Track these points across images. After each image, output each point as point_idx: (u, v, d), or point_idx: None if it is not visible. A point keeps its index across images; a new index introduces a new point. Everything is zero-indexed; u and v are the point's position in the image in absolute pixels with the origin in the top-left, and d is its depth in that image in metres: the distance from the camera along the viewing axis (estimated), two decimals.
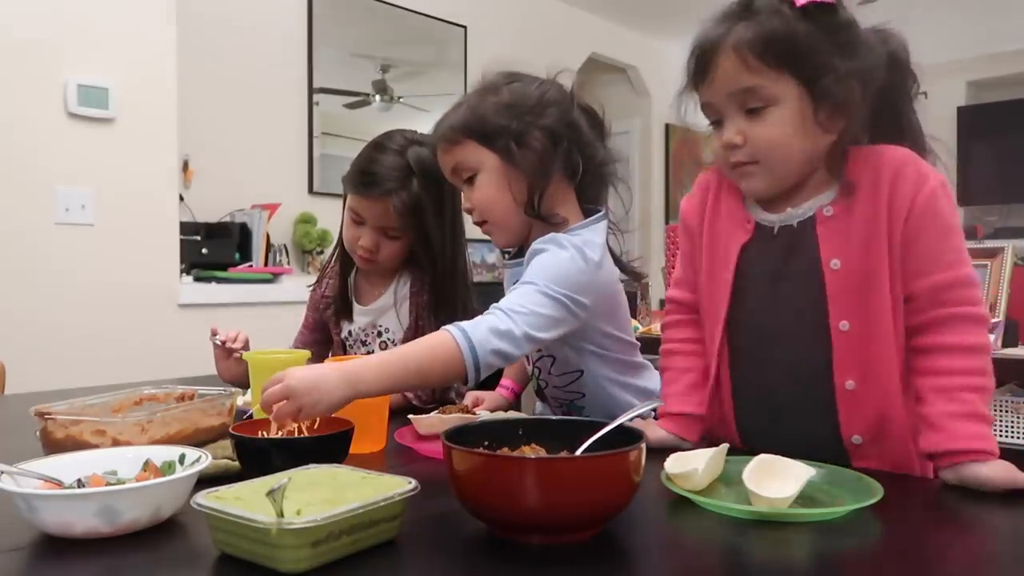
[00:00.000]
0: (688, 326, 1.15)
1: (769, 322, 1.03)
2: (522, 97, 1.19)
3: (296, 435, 0.96)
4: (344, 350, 1.61)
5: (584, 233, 1.17)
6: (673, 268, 2.39)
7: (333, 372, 0.94)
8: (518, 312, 1.07)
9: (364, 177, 1.44)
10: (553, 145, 1.17)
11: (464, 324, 1.04)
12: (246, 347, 1.50)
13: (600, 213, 1.23)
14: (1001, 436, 2.32)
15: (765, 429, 1.05)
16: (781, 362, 1.03)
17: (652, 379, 1.33)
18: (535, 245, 1.17)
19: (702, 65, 0.99)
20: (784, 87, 0.95)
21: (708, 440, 1.10)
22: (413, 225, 1.44)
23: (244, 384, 1.33)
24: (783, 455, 0.86)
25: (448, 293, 1.48)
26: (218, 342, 1.49)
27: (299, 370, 0.94)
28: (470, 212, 1.23)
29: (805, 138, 0.96)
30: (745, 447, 1.06)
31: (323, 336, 1.66)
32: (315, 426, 0.98)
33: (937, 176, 0.96)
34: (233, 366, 1.49)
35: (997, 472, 0.86)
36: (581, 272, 1.13)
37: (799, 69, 0.94)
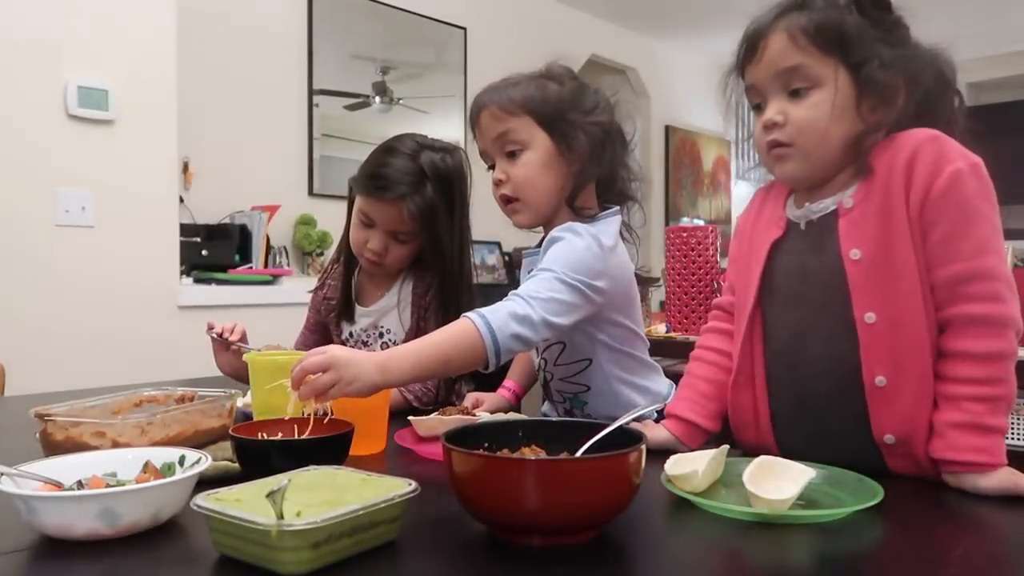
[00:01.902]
0: (721, 335, 1.15)
1: (798, 320, 1.02)
2: (583, 95, 1.24)
3: (296, 436, 0.96)
4: None
5: (600, 224, 1.21)
6: (673, 270, 2.40)
7: (367, 358, 0.97)
8: (536, 298, 1.09)
9: (377, 180, 1.43)
10: (601, 147, 1.22)
11: (483, 310, 1.06)
12: (243, 339, 1.50)
13: (615, 208, 1.27)
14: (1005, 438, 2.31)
15: (800, 430, 1.03)
16: (811, 360, 1.01)
17: (657, 381, 1.33)
18: (553, 233, 1.19)
19: (752, 46, 1.00)
20: (830, 70, 0.96)
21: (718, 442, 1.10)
22: (425, 230, 1.44)
23: (244, 377, 1.33)
24: (818, 458, 0.86)
25: (453, 295, 1.48)
26: (215, 335, 1.49)
27: (340, 348, 0.98)
28: (499, 184, 1.24)
29: (844, 125, 0.96)
30: (779, 448, 1.04)
31: (324, 337, 1.66)
32: (326, 419, 0.98)
33: (967, 158, 0.92)
34: (232, 358, 1.49)
35: (993, 483, 0.86)
36: (596, 259, 1.16)
37: (847, 55, 0.95)
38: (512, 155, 1.22)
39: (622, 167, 1.28)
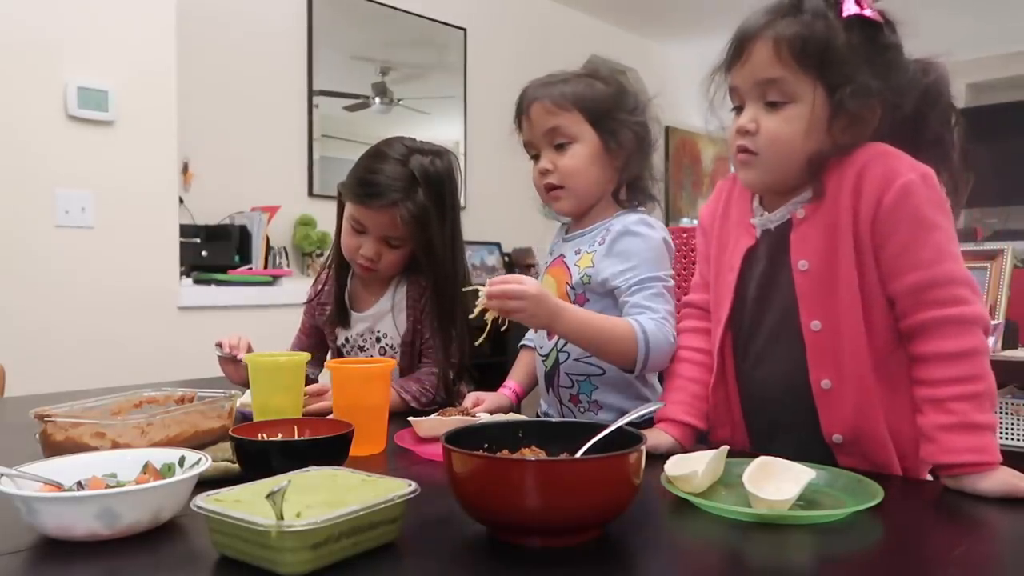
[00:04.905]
0: (701, 335, 1.17)
1: (758, 324, 1.06)
2: (625, 96, 1.32)
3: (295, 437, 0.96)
4: (340, 356, 1.60)
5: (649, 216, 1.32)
6: (672, 270, 2.39)
7: (551, 302, 1.12)
8: (666, 319, 1.20)
9: (368, 188, 1.43)
10: (643, 144, 1.31)
11: (646, 325, 1.17)
12: (250, 349, 1.50)
13: (636, 204, 1.36)
14: (1002, 438, 2.32)
15: (764, 427, 1.08)
16: (769, 363, 1.05)
17: (655, 378, 1.35)
18: (628, 225, 1.27)
19: (738, 49, 1.01)
20: (808, 88, 0.96)
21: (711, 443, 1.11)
22: (418, 234, 1.44)
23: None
24: (776, 453, 0.87)
25: (448, 297, 1.48)
26: (223, 354, 1.49)
27: (535, 284, 1.11)
28: (545, 173, 1.30)
29: (813, 142, 0.97)
30: (750, 445, 1.09)
31: (319, 341, 1.66)
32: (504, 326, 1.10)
33: (916, 169, 0.94)
34: (241, 369, 1.49)
35: (994, 485, 0.86)
36: (670, 249, 1.29)
37: (827, 75, 0.96)
38: (560, 147, 1.29)
39: (649, 163, 1.35)
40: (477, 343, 1.22)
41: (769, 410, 1.06)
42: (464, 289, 1.26)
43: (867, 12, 0.97)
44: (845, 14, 0.96)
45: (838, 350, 0.98)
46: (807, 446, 0.99)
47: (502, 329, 1.14)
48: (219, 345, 1.50)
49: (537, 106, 1.29)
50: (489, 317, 1.12)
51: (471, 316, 1.17)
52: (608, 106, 1.28)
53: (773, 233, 1.04)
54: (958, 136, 1.02)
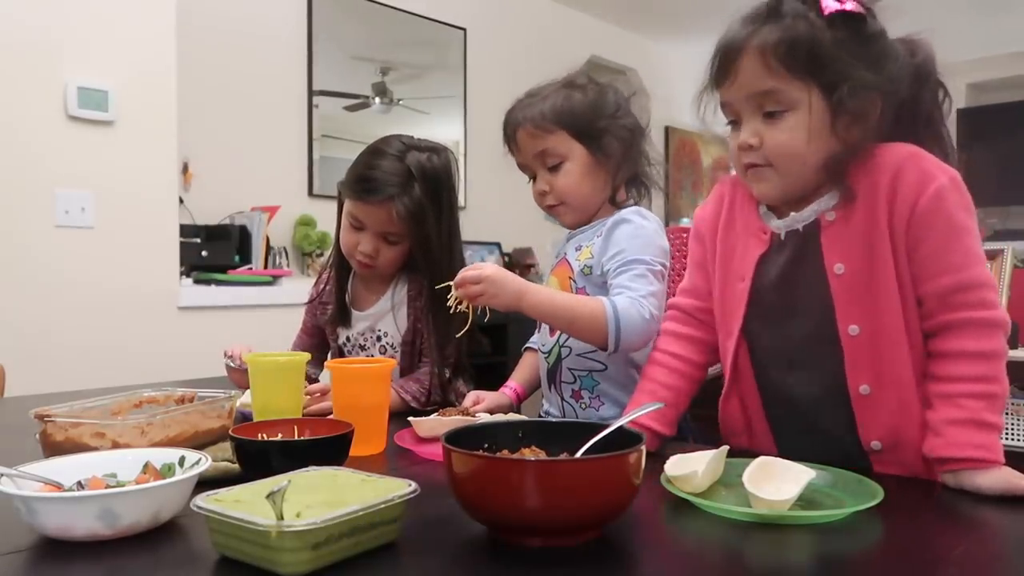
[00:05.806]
0: (682, 341, 1.14)
1: (783, 330, 1.03)
2: (604, 99, 1.31)
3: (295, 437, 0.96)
4: (342, 355, 1.60)
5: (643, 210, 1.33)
6: (673, 270, 2.39)
7: (512, 283, 1.16)
8: (646, 297, 1.18)
9: (365, 183, 1.44)
10: (630, 147, 1.32)
11: (618, 302, 1.17)
12: None
13: (633, 201, 1.38)
14: (1002, 438, 2.30)
15: (796, 435, 1.05)
16: (798, 370, 1.02)
17: None
18: (623, 215, 1.29)
19: (724, 65, 0.99)
20: (803, 93, 0.95)
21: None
22: (414, 230, 1.44)
23: None
24: (814, 460, 0.87)
25: (446, 295, 1.47)
26: (233, 364, 1.49)
27: (493, 267, 1.17)
28: (544, 194, 1.33)
29: (820, 145, 0.96)
30: (780, 454, 1.04)
31: (321, 340, 1.66)
32: (486, 318, 1.18)
33: (946, 172, 0.93)
34: (247, 377, 1.49)
35: (994, 481, 0.86)
36: (663, 238, 1.29)
37: (820, 76, 0.94)
38: (553, 168, 1.30)
39: (643, 156, 1.35)
40: (458, 335, 1.29)
41: (802, 416, 1.03)
42: (436, 287, 1.28)
43: (848, 6, 0.94)
44: (826, 12, 0.94)
45: (878, 354, 0.96)
46: (844, 452, 0.97)
47: (484, 319, 1.22)
48: (230, 357, 1.50)
49: (522, 132, 1.30)
50: (465, 307, 1.17)
51: (450, 311, 1.20)
52: (589, 116, 1.28)
53: (798, 235, 1.01)
54: (946, 112, 1.01)
